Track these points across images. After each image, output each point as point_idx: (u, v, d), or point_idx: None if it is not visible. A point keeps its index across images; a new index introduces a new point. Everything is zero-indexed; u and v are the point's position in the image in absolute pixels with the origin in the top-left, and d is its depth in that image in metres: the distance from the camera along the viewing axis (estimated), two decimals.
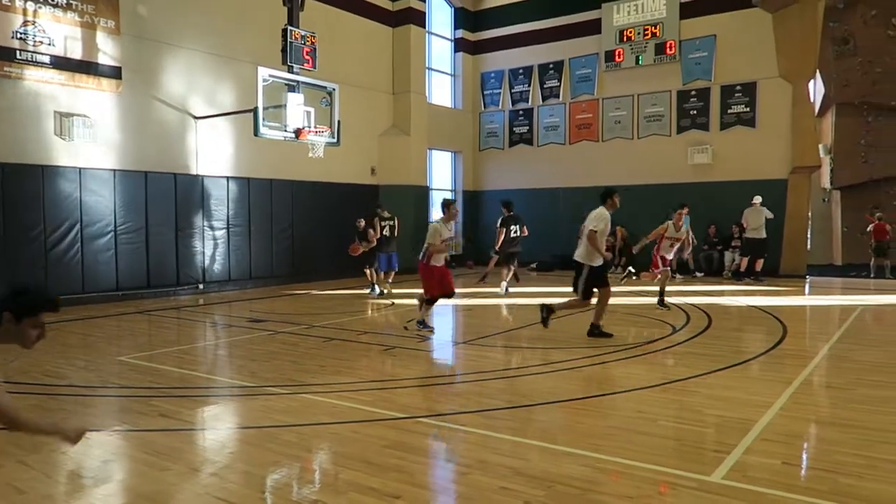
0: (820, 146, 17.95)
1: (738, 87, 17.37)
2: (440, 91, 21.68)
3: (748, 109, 17.27)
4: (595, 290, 8.57)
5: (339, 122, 13.94)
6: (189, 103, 14.08)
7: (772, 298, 12.63)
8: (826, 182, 19.12)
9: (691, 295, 13.08)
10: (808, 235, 18.62)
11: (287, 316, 10.86)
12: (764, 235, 15.34)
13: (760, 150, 16.83)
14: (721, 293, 13.59)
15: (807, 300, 12.93)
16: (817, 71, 17.41)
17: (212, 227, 14.48)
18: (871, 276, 16.18)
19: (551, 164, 20.35)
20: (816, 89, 18.66)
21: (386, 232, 13.54)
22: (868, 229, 16.65)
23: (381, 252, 13.50)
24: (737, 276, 15.95)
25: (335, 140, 13.92)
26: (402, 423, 5.09)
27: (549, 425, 5.18)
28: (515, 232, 14.38)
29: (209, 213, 14.44)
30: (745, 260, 15.74)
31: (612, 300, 12.50)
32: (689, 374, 6.46)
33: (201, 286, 14.24)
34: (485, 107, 21.91)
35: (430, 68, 20.78)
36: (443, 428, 5.02)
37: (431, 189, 20.78)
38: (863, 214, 17.50)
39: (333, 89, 13.86)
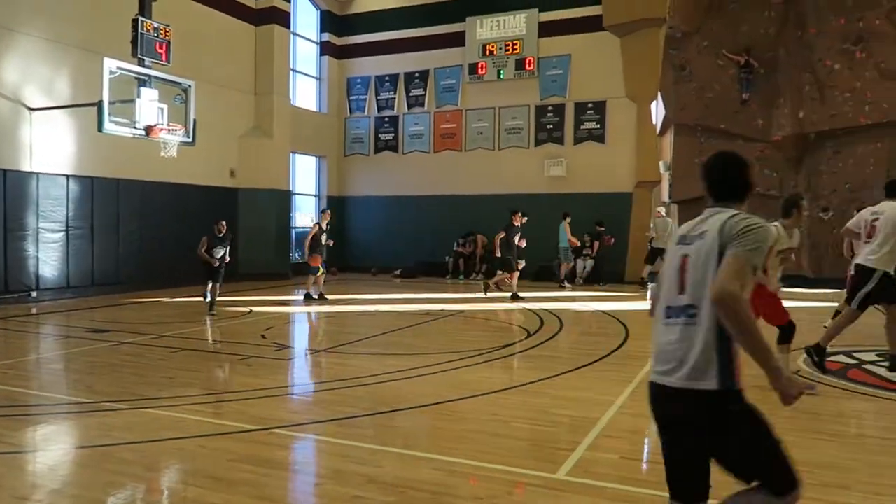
0: (661, 163, 19.51)
1: (590, 105, 18.51)
2: (305, 94, 21.29)
3: (599, 126, 18.45)
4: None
5: (194, 120, 13.27)
6: (23, 93, 12.82)
7: (618, 303, 13.51)
8: (665, 196, 20.78)
9: (546, 301, 13.69)
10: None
11: (133, 325, 10.15)
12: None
13: (609, 164, 18.02)
14: (573, 299, 14.35)
15: (648, 305, 13.96)
16: (659, 93, 18.91)
17: (48, 230, 13.25)
18: None
19: (416, 171, 20.58)
20: (658, 110, 20.27)
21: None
22: None
23: None
24: (583, 281, 16.93)
25: (190, 139, 13.24)
26: (254, 435, 4.91)
27: (405, 431, 5.21)
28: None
29: (45, 213, 13.20)
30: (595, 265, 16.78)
31: (471, 307, 12.92)
32: (541, 376, 6.75)
33: (34, 294, 12.98)
34: (350, 112, 21.78)
35: (294, 70, 20.34)
36: (297, 438, 4.91)
37: (294, 194, 20.32)
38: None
39: (189, 86, 13.18)
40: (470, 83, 19.94)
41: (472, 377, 6.81)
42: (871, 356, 7.97)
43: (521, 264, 14.10)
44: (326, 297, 13.46)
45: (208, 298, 11.38)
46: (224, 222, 11.48)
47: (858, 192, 17.97)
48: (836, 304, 10.95)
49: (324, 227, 13.44)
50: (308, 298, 13.47)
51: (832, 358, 7.86)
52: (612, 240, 17.42)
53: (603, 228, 17.34)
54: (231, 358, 7.83)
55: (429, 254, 20.11)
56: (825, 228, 18.45)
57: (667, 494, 2.83)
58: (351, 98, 21.77)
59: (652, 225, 16.45)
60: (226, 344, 8.70)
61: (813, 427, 5.18)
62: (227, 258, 11.45)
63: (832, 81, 18.07)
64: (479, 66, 19.74)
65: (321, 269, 13.36)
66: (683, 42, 19.61)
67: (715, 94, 19.50)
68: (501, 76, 19.51)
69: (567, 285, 16.87)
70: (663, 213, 16.45)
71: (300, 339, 10.16)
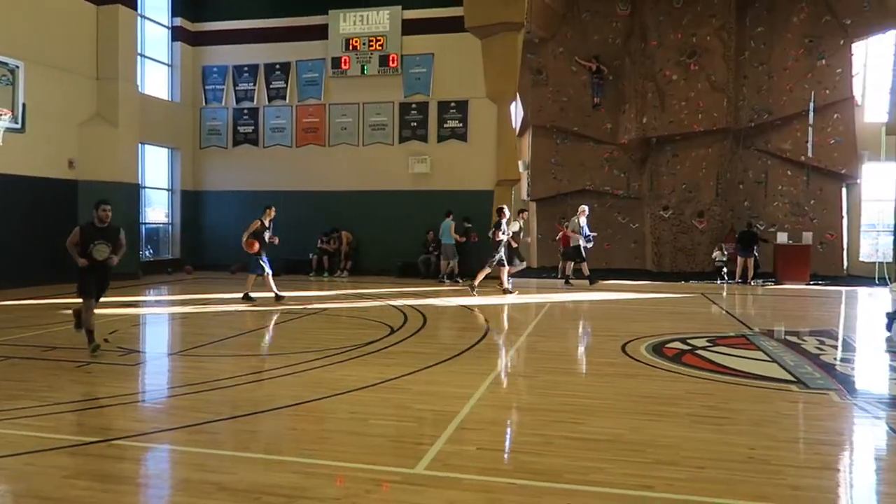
0: (520, 162, 20.26)
1: (453, 104, 18.86)
2: (155, 81, 19.99)
3: (461, 125, 18.85)
4: None
5: (24, 104, 12.09)
6: None
7: (480, 299, 13.89)
8: (525, 195, 21.65)
9: (411, 297, 13.80)
10: None
11: None
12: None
13: (471, 162, 18.46)
14: (437, 294, 14.58)
15: (508, 299, 14.46)
16: (517, 95, 19.64)
17: None
18: (560, 277, 18.68)
19: (278, 166, 19.99)
20: (517, 111, 21.05)
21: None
22: (557, 237, 19.20)
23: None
24: (450, 279, 17.27)
25: (19, 125, 12.04)
26: (93, 448, 4.55)
27: (262, 435, 5.05)
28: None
29: None
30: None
31: (337, 304, 12.77)
32: (402, 372, 6.79)
33: None
34: (206, 102, 20.74)
35: (142, 55, 19.04)
36: (142, 449, 4.60)
37: (144, 187, 19.05)
38: (553, 224, 20.16)
39: (17, 67, 11.96)
40: (333, 77, 19.65)
41: (333, 376, 6.72)
42: (703, 342, 8.76)
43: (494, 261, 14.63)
44: (252, 296, 12.77)
45: (84, 328, 7.81)
46: (108, 207, 7.71)
47: (694, 192, 19.71)
48: (676, 296, 11.91)
49: (266, 223, 12.78)
50: (246, 298, 12.69)
51: (669, 344, 8.56)
52: (476, 237, 17.89)
53: (470, 226, 17.78)
54: (68, 365, 7.19)
55: (292, 251, 19.58)
56: (666, 226, 20.06)
57: (523, 481, 2.93)
58: (207, 87, 20.73)
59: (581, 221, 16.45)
60: (63, 350, 7.98)
61: (647, 409, 5.60)
62: (114, 259, 7.70)
63: (671, 90, 19.66)
64: (343, 60, 19.50)
65: (266, 269, 12.67)
66: (540, 47, 20.53)
67: (569, 97, 20.60)
68: (365, 72, 19.39)
69: (446, 281, 17.13)
70: (587, 212, 16.77)
71: (150, 342, 9.54)
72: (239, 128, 20.49)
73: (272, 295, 12.61)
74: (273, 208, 13.21)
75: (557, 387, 6.43)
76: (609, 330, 9.89)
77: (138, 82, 18.13)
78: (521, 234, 15.41)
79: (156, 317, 11.63)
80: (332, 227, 19.08)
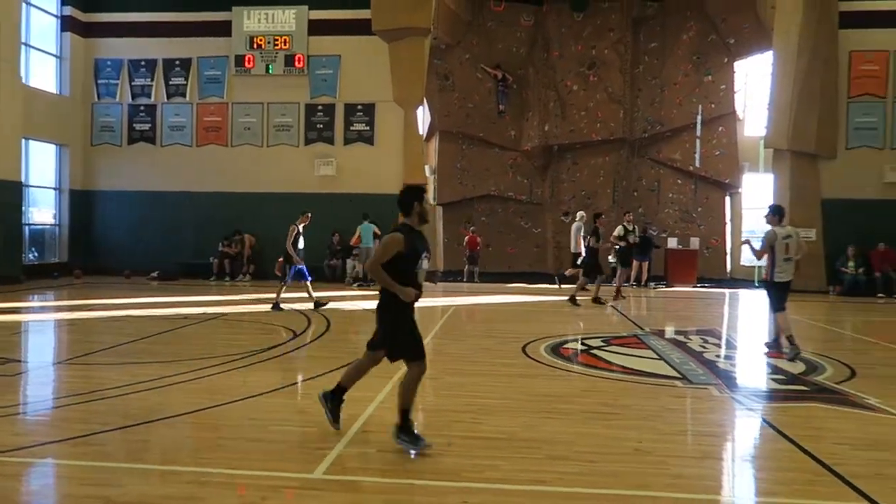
0: (426, 166, 20.44)
1: (360, 107, 18.79)
2: (41, 73, 18.76)
3: (368, 128, 18.80)
4: None
5: None
6: None
7: None
8: (431, 199, 21.85)
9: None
10: None
11: None
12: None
13: (378, 166, 18.43)
14: (343, 298, 14.47)
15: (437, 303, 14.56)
16: (424, 100, 19.81)
17: None
18: (465, 280, 18.98)
19: (177, 166, 19.21)
20: (424, 116, 21.22)
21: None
22: (464, 241, 19.50)
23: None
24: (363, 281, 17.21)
25: None
26: None
27: (154, 445, 4.86)
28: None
29: None
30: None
31: (234, 309, 12.43)
32: (304, 376, 6.73)
33: None
34: (99, 97, 19.67)
35: (27, 45, 17.84)
36: (21, 465, 4.33)
37: (27, 186, 17.83)
38: (459, 228, 20.46)
39: None
40: (237, 76, 19.12)
41: (232, 382, 6.56)
42: (598, 342, 9.16)
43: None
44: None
45: None
46: None
47: (592, 198, 20.51)
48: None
49: (301, 229, 12.17)
50: (276, 308, 12.02)
51: (566, 345, 8.89)
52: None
53: (377, 232, 17.78)
54: None
55: (191, 254, 18.92)
56: (566, 230, 20.73)
57: (422, 481, 2.99)
58: (99, 82, 19.66)
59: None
60: None
61: (543, 407, 5.82)
62: None
63: (571, 100, 20.41)
64: (247, 58, 19.01)
65: (300, 277, 12.08)
66: (447, 53, 20.78)
67: (475, 104, 20.96)
68: (270, 71, 18.99)
69: (354, 285, 17.05)
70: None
71: (32, 350, 8.97)
72: (135, 125, 19.55)
73: (270, 303, 12.22)
74: (309, 214, 12.63)
75: (459, 388, 6.55)
76: (511, 332, 10.16)
77: (21, 73, 16.96)
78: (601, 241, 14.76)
79: (39, 324, 10.93)
80: (235, 229, 18.54)
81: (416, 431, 4.63)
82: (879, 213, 16.86)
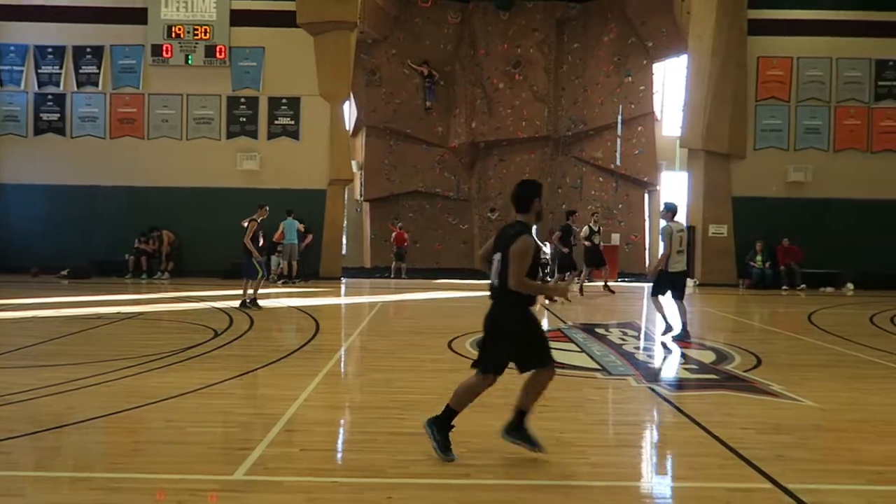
0: (353, 162, 20.29)
1: (285, 101, 18.41)
2: None
3: (293, 122, 18.45)
4: None
5: None
6: None
7: (312, 299, 13.72)
8: (358, 194, 21.68)
9: (238, 299, 13.29)
10: (344, 241, 20.85)
11: None
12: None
13: (303, 161, 18.13)
14: (267, 296, 14.17)
15: (341, 300, 14.45)
16: (351, 95, 19.63)
17: None
18: (392, 277, 18.94)
19: (89, 158, 18.30)
20: (351, 111, 21.03)
21: None
22: (391, 237, 19.46)
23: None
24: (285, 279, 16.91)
25: None
26: None
27: (63, 451, 4.63)
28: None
29: None
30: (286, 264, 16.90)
31: (152, 307, 11.99)
32: (226, 376, 6.55)
33: None
34: (1, 85, 18.50)
35: None
36: None
37: None
38: (386, 224, 20.40)
39: None
40: (154, 66, 18.37)
41: (148, 384, 6.32)
42: None
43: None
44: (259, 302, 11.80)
45: None
46: None
47: None
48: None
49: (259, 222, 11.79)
50: (253, 304, 11.65)
51: None
52: (310, 237, 17.67)
53: (303, 226, 17.52)
54: None
55: (105, 251, 18.08)
56: (493, 227, 21.00)
57: (345, 479, 2.97)
58: (2, 68, 18.48)
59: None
60: None
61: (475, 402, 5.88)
62: None
63: (498, 98, 20.67)
64: (165, 48, 18.30)
65: (261, 272, 11.69)
66: (374, 48, 20.67)
67: (402, 100, 20.94)
68: (190, 62, 18.35)
69: (279, 283, 16.70)
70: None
71: None
72: (42, 115, 18.50)
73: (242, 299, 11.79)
74: (266, 207, 12.41)
75: (385, 384, 6.54)
76: (437, 327, 10.21)
77: None
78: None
79: None
80: (152, 226, 17.85)
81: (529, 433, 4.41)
82: (784, 211, 17.87)
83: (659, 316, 9.73)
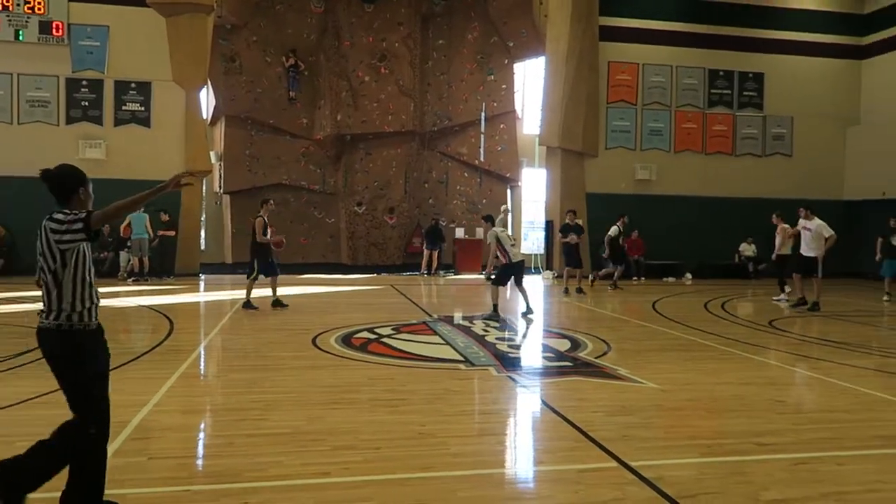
0: (212, 153, 19.33)
1: (134, 85, 17.17)
2: None
3: (143, 108, 17.25)
4: None
5: None
6: None
7: (166, 297, 12.93)
8: (217, 187, 20.69)
9: None
10: (202, 236, 19.85)
11: None
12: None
13: (156, 150, 16.99)
14: (116, 294, 13.21)
15: (199, 297, 13.73)
16: (208, 81, 18.68)
17: None
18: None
19: None
20: (209, 99, 20.01)
21: None
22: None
23: None
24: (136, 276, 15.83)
25: None
26: None
27: None
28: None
29: None
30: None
31: None
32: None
33: None
34: None
35: None
36: None
37: None
38: (249, 217, 19.59)
39: None
40: None
41: None
42: (388, 330, 9.34)
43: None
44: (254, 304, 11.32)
45: None
46: None
47: (385, 189, 20.84)
48: (369, 288, 12.39)
49: (267, 219, 11.43)
50: (249, 307, 10.98)
51: (357, 335, 8.95)
52: (173, 232, 16.67)
53: (168, 218, 16.51)
54: None
55: None
56: (360, 221, 20.89)
57: (198, 486, 2.81)
58: None
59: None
60: None
61: (330, 398, 5.81)
62: None
63: (363, 91, 20.51)
64: None
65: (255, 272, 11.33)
66: (233, 34, 19.80)
67: (264, 89, 20.22)
68: (21, 38, 16.60)
69: (129, 280, 15.60)
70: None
71: None
72: None
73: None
74: (271, 201, 12.31)
75: (244, 384, 6.29)
76: (302, 324, 9.98)
77: None
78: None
79: None
80: None
81: None
82: (632, 206, 19.17)
83: (522, 301, 11.19)
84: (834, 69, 20.69)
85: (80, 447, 3.44)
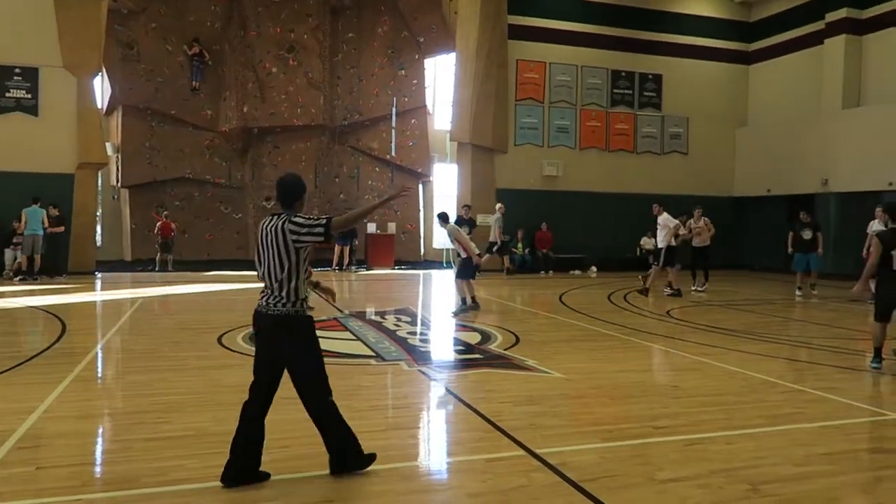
0: (108, 144, 18.32)
1: (18, 70, 16.00)
2: None
3: (30, 96, 16.11)
4: None
5: None
6: None
7: (58, 297, 12.17)
8: (115, 180, 19.65)
9: None
10: (98, 232, 18.81)
11: None
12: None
13: (44, 141, 15.93)
14: (2, 294, 12.32)
15: (95, 296, 13.01)
16: (104, 69, 17.69)
17: None
18: (157, 269, 17.49)
19: None
20: (104, 87, 18.95)
21: None
22: (156, 227, 17.88)
23: None
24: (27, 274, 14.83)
25: None
26: None
27: None
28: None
29: None
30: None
31: None
32: None
33: None
34: None
35: None
36: None
37: None
38: (150, 213, 18.74)
39: None
40: None
41: None
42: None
43: None
44: None
45: None
46: None
47: None
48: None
49: None
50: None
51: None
52: (62, 228, 15.69)
53: (59, 214, 15.51)
54: None
55: None
56: (269, 215, 20.34)
57: (91, 495, 2.67)
58: None
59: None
60: None
61: (236, 399, 5.59)
62: None
63: (271, 83, 20.00)
64: None
65: None
66: (130, 19, 18.84)
67: (165, 78, 19.36)
68: None
69: (16, 279, 14.57)
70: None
71: None
72: None
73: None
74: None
75: (144, 387, 6.02)
76: (207, 322, 9.65)
77: None
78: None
79: None
80: None
81: None
82: (540, 201, 19.70)
83: (468, 298, 11.07)
84: (725, 73, 21.97)
85: None
